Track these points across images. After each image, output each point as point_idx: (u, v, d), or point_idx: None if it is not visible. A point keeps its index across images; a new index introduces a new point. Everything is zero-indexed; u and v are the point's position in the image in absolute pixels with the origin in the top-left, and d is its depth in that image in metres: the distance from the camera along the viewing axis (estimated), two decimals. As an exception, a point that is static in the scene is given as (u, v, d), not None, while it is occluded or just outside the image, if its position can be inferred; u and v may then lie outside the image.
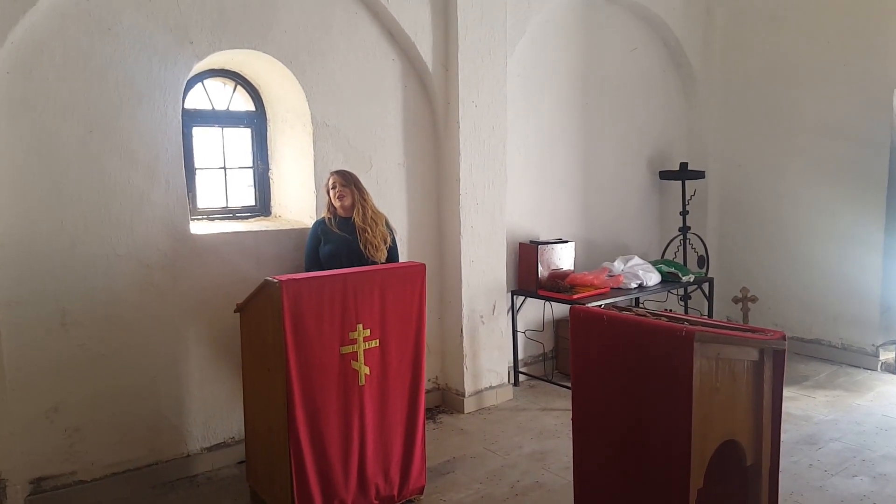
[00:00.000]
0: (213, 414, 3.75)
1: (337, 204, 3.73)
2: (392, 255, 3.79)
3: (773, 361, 2.42)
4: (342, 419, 3.01)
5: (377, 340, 3.10)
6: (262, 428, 3.18)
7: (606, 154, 5.55)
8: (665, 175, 5.82)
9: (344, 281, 2.97)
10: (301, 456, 2.87)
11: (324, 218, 3.82)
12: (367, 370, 3.07)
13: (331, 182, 3.75)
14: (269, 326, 2.94)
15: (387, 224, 3.79)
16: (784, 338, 2.43)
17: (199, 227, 3.75)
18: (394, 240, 3.83)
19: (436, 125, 4.46)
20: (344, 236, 3.69)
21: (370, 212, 3.70)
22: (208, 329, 3.69)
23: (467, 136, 4.35)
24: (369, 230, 3.67)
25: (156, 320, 3.54)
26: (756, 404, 2.42)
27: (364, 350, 3.06)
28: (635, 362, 2.43)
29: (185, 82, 3.56)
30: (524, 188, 5.00)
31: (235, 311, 3.27)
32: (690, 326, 2.24)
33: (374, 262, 3.59)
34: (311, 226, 3.93)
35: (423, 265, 3.26)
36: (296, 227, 4.02)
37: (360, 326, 3.04)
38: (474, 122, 4.38)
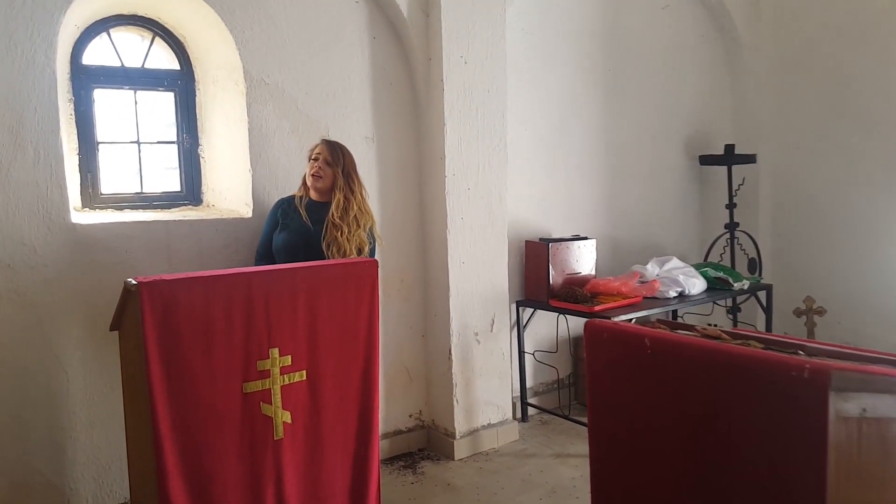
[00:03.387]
0: (107, 466, 2.79)
1: (310, 181, 2.83)
2: None
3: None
4: (248, 493, 2.01)
5: (303, 372, 2.12)
6: (142, 498, 2.20)
7: (633, 133, 4.53)
8: (707, 160, 4.77)
9: (248, 284, 2.01)
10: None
11: (292, 196, 2.89)
12: (286, 416, 2.09)
13: (314, 151, 2.85)
14: (135, 354, 1.97)
15: (370, 231, 2.86)
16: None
17: (86, 216, 2.81)
18: (372, 250, 2.88)
19: (415, 88, 3.48)
20: (306, 226, 2.74)
21: (355, 208, 2.79)
22: (98, 351, 2.73)
23: (455, 100, 3.37)
24: (344, 230, 2.73)
25: (22, 341, 2.60)
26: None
27: (282, 387, 2.08)
28: (704, 419, 1.40)
29: (62, 19, 2.64)
30: (530, 172, 3.99)
31: (112, 329, 2.31)
32: (816, 361, 1.21)
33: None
34: (249, 213, 2.99)
35: (375, 262, 2.29)
36: (227, 216, 3.06)
37: (276, 352, 2.07)
38: (464, 82, 3.40)
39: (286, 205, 2.90)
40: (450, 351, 3.48)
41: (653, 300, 3.78)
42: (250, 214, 3.06)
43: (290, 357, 2.05)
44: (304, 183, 2.90)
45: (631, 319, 3.49)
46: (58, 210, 2.64)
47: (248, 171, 3.06)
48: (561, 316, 3.89)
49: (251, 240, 3.05)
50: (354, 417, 2.20)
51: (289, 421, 2.06)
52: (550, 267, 3.75)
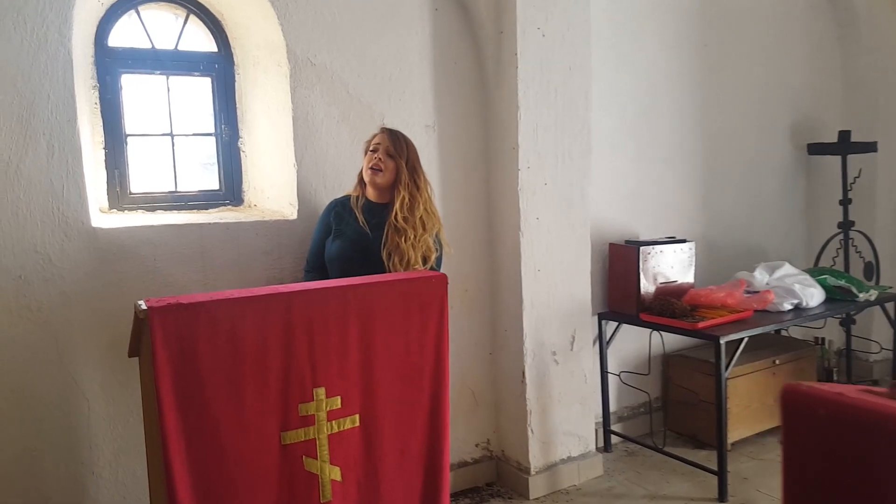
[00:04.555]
0: (134, 506, 2.41)
1: (367, 175, 2.39)
2: None
3: None
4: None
5: (356, 417, 1.68)
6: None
7: (731, 118, 3.93)
8: (817, 149, 4.13)
9: (287, 306, 1.58)
10: None
11: (346, 196, 2.47)
12: (335, 473, 1.65)
13: (373, 142, 2.42)
14: (148, 389, 1.57)
15: (437, 237, 2.42)
16: None
17: (108, 220, 2.44)
18: (438, 260, 2.44)
19: (482, 67, 3.00)
20: (363, 231, 2.31)
21: (421, 209, 2.35)
22: (122, 374, 2.37)
23: (530, 80, 2.88)
24: (409, 235, 2.29)
25: (36, 363, 2.25)
26: None
27: (330, 436, 1.64)
28: None
29: (81, -9, 2.27)
30: (613, 165, 3.46)
31: (131, 356, 1.91)
32: None
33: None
34: (294, 214, 2.59)
35: (444, 277, 1.83)
36: (269, 218, 2.66)
37: (322, 392, 1.65)
38: (541, 59, 2.90)
39: (340, 207, 2.48)
40: (523, 373, 2.99)
41: (765, 314, 3.20)
42: (295, 216, 2.65)
43: (339, 398, 1.62)
44: (361, 180, 2.47)
45: (743, 339, 2.93)
46: (75, 213, 2.28)
47: (293, 166, 2.65)
48: (653, 332, 3.33)
49: (296, 245, 2.64)
50: (419, 473, 1.75)
51: (338, 479, 1.62)
52: (641, 274, 3.21)
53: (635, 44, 3.49)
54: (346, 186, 2.64)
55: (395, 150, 2.39)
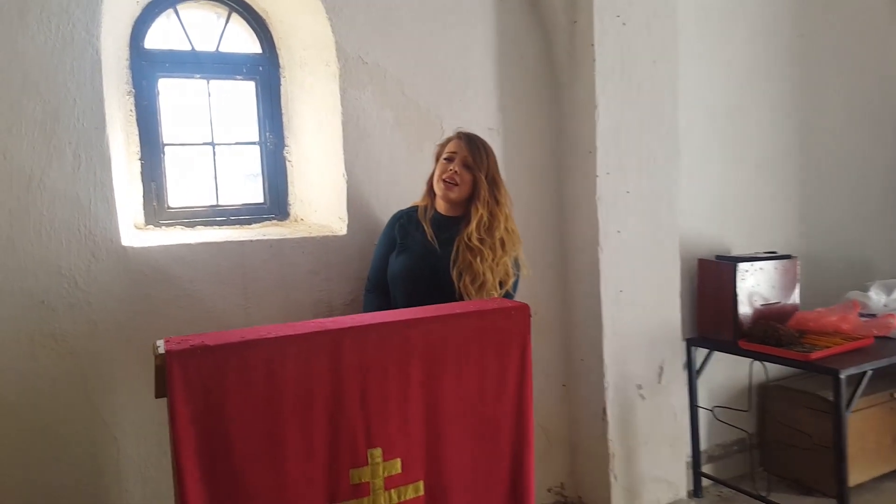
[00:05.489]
0: (167, 560, 2.14)
1: (439, 189, 2.08)
2: None
3: None
4: None
5: (419, 484, 1.37)
6: None
7: (835, 117, 3.48)
8: (934, 149, 3.61)
9: (335, 347, 1.27)
10: None
11: (413, 207, 2.18)
12: (393, 553, 1.31)
13: (447, 148, 2.11)
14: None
15: (515, 261, 2.10)
16: None
17: (140, 238, 2.20)
18: (515, 284, 2.12)
19: (553, 62, 2.67)
20: (431, 247, 2.02)
21: (502, 228, 2.03)
22: (155, 412, 2.09)
23: (609, 74, 2.53)
24: (486, 256, 1.98)
25: (61, 399, 2.02)
26: None
27: (389, 508, 1.30)
28: None
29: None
30: (701, 170, 3.06)
31: (157, 397, 1.64)
32: None
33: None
34: (343, 230, 2.31)
35: (526, 308, 1.47)
36: (315, 233, 2.38)
37: (378, 454, 1.34)
38: (621, 50, 2.55)
39: (405, 219, 2.18)
40: (604, 410, 2.62)
41: (887, 342, 2.73)
42: (344, 231, 2.36)
43: (399, 461, 1.30)
44: (430, 190, 2.16)
45: (866, 372, 2.47)
46: (104, 230, 2.04)
47: (343, 177, 2.37)
48: (753, 362, 2.89)
49: (345, 263, 2.36)
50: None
51: (398, 560, 1.31)
52: (738, 295, 2.79)
53: (723, 33, 3.09)
54: (401, 198, 2.34)
55: (473, 160, 2.06)
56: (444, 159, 2.10)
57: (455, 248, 2.00)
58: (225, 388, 1.18)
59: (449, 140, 2.14)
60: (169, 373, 1.15)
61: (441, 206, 2.13)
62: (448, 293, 2.01)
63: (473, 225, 1.98)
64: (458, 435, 1.37)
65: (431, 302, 1.98)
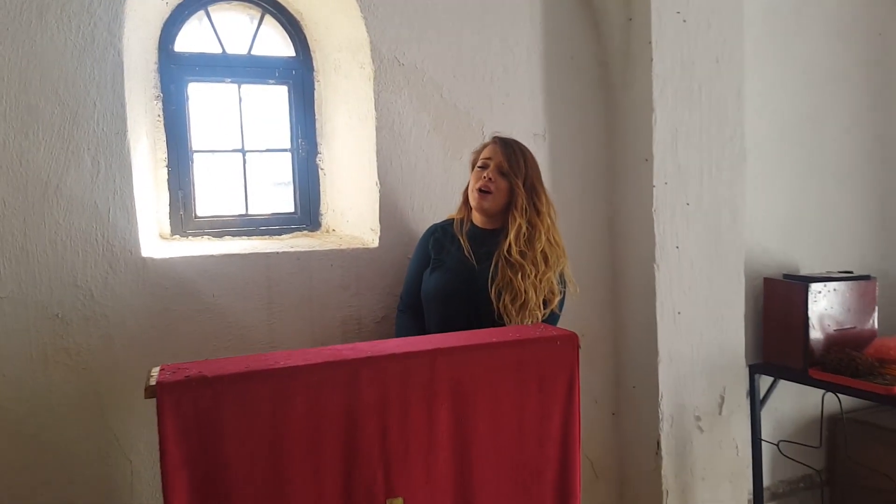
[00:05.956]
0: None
1: (473, 199, 1.91)
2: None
3: None
4: None
5: (444, 540, 1.15)
6: None
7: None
8: None
9: (351, 379, 1.10)
10: None
11: (449, 220, 2.02)
12: None
13: (482, 155, 1.94)
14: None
15: (561, 274, 1.90)
16: None
17: (161, 249, 2.09)
18: (561, 303, 1.92)
19: (606, 62, 2.47)
20: (468, 263, 1.85)
21: (543, 240, 1.84)
22: (172, 435, 1.97)
23: (668, 75, 2.31)
24: (528, 272, 1.80)
25: (74, 417, 1.91)
26: None
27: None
28: None
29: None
30: (768, 181, 2.81)
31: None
32: None
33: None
34: (375, 242, 2.15)
35: (574, 336, 1.27)
36: (345, 246, 2.23)
37: None
38: (681, 49, 2.33)
39: (440, 232, 2.01)
40: (658, 443, 2.38)
41: None
42: (376, 243, 2.20)
43: (421, 514, 1.12)
44: (466, 200, 1.99)
45: (964, 410, 2.17)
46: (123, 240, 1.93)
47: (376, 185, 2.21)
48: (826, 393, 2.60)
49: (377, 278, 2.20)
50: None
51: None
52: (810, 318, 2.52)
53: (794, 31, 2.83)
54: (437, 208, 2.18)
55: (509, 166, 1.88)
56: (479, 167, 1.92)
57: (493, 264, 1.81)
58: (223, 426, 1.02)
59: (484, 146, 1.97)
60: (159, 407, 1.00)
61: (478, 218, 1.95)
62: (487, 314, 1.83)
63: (512, 236, 1.79)
64: (492, 484, 1.18)
65: (468, 323, 1.81)
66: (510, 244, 1.79)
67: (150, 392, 1.05)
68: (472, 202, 1.92)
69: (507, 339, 1.27)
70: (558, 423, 1.24)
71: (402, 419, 1.13)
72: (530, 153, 1.94)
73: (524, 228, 1.81)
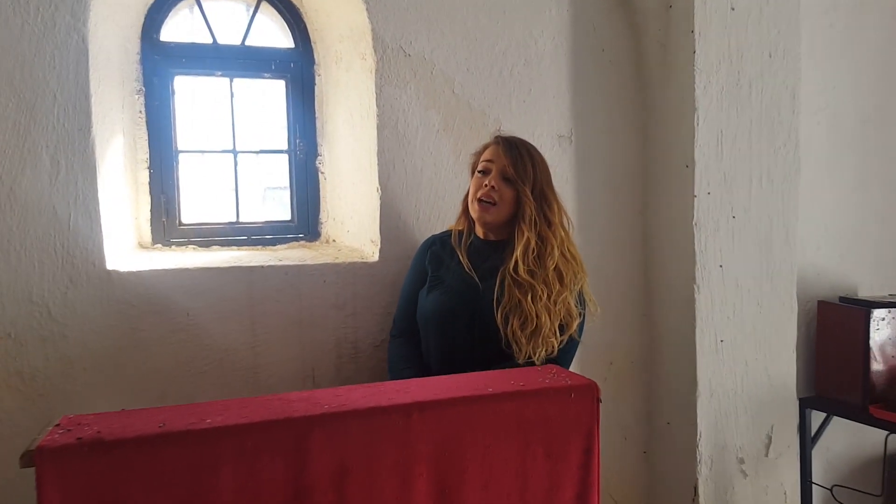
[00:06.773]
0: None
1: (474, 210, 1.66)
2: (561, 358, 1.59)
3: None
4: None
5: None
6: None
7: None
8: None
9: (300, 441, 0.86)
10: None
11: (448, 233, 1.76)
12: None
13: (482, 158, 1.68)
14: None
15: (580, 297, 1.62)
16: None
17: (127, 261, 1.85)
18: (580, 327, 1.63)
19: (641, 56, 2.19)
20: (469, 280, 1.59)
21: (556, 255, 1.57)
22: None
23: (713, 71, 2.03)
24: (539, 293, 1.54)
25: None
26: None
27: None
28: None
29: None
30: (825, 191, 2.49)
31: None
32: None
33: (512, 363, 1.50)
34: (375, 255, 1.90)
35: (593, 386, 1.00)
36: (341, 259, 1.97)
37: None
38: (729, 41, 2.04)
39: (438, 246, 1.75)
40: (695, 488, 2.08)
41: None
42: (376, 257, 1.95)
43: None
44: (466, 210, 1.72)
45: None
46: (85, 251, 1.71)
47: (376, 191, 1.95)
48: (889, 434, 2.28)
49: (375, 296, 1.95)
50: None
51: None
52: (871, 348, 2.20)
53: (856, 24, 2.51)
54: (446, 219, 1.92)
55: (514, 171, 1.61)
56: (479, 172, 1.66)
57: (498, 283, 1.54)
58: (127, 505, 0.77)
59: (485, 147, 1.69)
60: (38, 480, 0.76)
61: (478, 229, 1.69)
62: (494, 341, 1.56)
63: (519, 253, 1.52)
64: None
65: (471, 350, 1.55)
66: (517, 261, 1.52)
67: (27, 460, 0.81)
68: (473, 214, 1.66)
69: (506, 390, 0.99)
70: (570, 496, 0.95)
71: (367, 492, 0.86)
72: (539, 154, 1.66)
73: (533, 243, 1.54)
